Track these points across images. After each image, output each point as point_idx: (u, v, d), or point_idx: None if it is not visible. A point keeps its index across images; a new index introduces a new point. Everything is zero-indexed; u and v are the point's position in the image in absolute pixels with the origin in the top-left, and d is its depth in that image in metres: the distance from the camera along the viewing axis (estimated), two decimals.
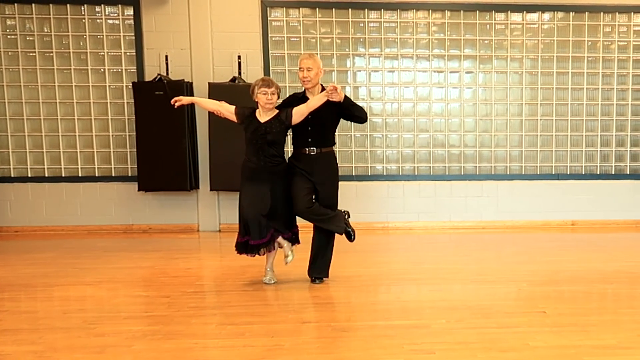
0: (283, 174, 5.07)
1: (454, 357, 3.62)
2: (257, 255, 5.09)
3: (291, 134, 5.17)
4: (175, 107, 5.19)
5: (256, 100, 4.97)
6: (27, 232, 8.09)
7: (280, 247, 5.25)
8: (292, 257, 5.21)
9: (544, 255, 6.55)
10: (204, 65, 7.86)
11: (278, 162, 5.05)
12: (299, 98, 5.21)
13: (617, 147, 8.56)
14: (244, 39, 7.95)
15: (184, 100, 5.30)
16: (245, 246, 5.06)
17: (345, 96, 5.05)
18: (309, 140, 5.08)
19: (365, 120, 5.35)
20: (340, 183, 7.67)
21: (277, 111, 5.03)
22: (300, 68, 5.11)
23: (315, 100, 4.93)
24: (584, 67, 8.37)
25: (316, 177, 5.14)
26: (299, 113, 4.96)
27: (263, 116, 4.97)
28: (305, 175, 5.14)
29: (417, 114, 8.39)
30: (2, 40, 7.95)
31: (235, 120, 5.07)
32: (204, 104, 5.40)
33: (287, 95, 5.69)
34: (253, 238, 4.98)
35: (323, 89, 5.10)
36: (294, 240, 5.28)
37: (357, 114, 5.17)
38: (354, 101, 5.34)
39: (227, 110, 5.11)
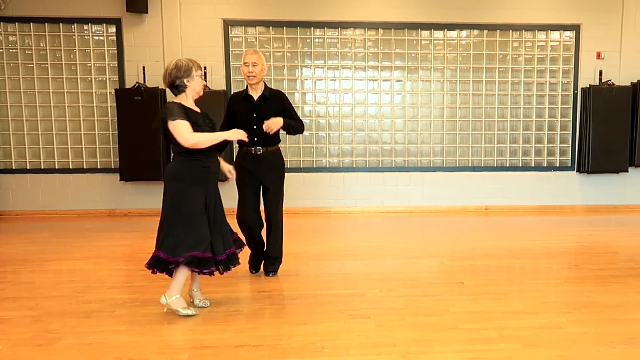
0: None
1: (386, 321, 3.78)
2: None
3: None
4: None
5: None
6: (26, 216, 8.41)
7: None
8: (193, 310, 3.96)
9: (462, 235, 6.92)
10: None
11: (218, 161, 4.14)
12: (242, 97, 4.75)
13: (523, 144, 8.95)
14: (209, 52, 8.25)
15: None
16: (206, 262, 3.90)
17: (283, 119, 4.63)
18: (255, 139, 4.61)
19: (303, 131, 4.90)
20: (289, 174, 7.50)
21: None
22: (245, 63, 4.60)
23: (226, 135, 4.03)
24: (495, 76, 8.76)
25: (263, 175, 4.75)
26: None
27: (196, 108, 3.98)
28: (252, 176, 4.73)
29: (355, 116, 8.74)
30: (4, 53, 8.29)
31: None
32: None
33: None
34: (218, 253, 3.98)
35: (266, 86, 4.76)
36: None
37: (293, 132, 4.80)
38: (296, 112, 4.89)
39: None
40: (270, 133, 4.64)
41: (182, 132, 3.78)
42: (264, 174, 4.77)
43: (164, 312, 3.91)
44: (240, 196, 4.82)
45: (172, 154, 3.99)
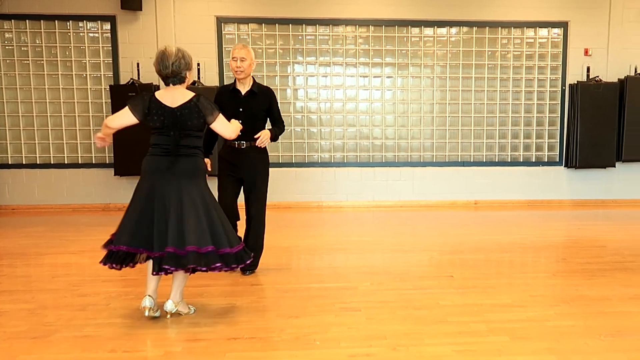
0: None
1: (376, 314, 3.78)
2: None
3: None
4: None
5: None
6: (22, 210, 8.44)
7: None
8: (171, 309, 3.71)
9: (451, 229, 6.92)
10: None
11: None
12: (230, 90, 4.65)
13: (512, 140, 8.96)
14: (203, 49, 8.26)
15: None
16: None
17: (270, 131, 4.60)
18: (240, 133, 4.14)
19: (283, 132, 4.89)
20: (281, 169, 7.88)
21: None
22: (233, 58, 4.50)
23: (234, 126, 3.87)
24: (484, 73, 8.77)
25: (245, 170, 4.64)
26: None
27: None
28: (234, 169, 4.64)
29: (346, 112, 8.74)
30: (0, 50, 8.28)
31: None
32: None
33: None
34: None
35: (254, 81, 4.69)
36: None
37: (276, 139, 4.74)
38: (283, 113, 4.81)
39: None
40: (263, 146, 4.59)
41: (228, 123, 3.69)
42: (246, 169, 4.66)
43: (167, 318, 3.73)
44: (219, 186, 4.70)
45: (182, 149, 3.62)
